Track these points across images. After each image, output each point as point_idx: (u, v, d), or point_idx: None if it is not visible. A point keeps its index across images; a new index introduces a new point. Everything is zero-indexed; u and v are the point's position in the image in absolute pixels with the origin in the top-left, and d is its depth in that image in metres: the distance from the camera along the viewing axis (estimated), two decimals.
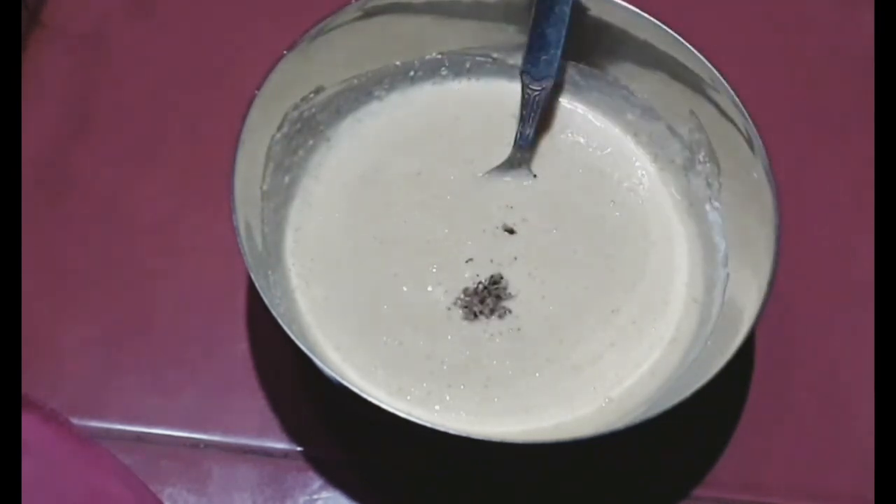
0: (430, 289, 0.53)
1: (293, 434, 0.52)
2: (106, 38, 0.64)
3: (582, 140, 0.59)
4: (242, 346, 0.54)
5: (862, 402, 0.53)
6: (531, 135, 0.57)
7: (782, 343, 0.55)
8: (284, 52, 0.52)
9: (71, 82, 0.62)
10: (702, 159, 0.56)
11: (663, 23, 0.54)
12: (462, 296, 0.53)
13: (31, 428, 0.40)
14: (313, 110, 0.56)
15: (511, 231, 0.55)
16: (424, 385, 0.51)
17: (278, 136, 0.54)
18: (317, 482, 0.51)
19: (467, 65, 0.59)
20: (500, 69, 0.60)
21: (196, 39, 0.64)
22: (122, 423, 0.52)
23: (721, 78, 0.53)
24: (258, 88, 0.51)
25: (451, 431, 0.44)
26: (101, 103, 0.62)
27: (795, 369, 0.55)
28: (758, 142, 0.51)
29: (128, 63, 0.63)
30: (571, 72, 0.59)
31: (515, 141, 0.57)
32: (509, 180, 0.57)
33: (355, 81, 0.57)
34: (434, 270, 0.54)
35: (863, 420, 0.53)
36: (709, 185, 0.55)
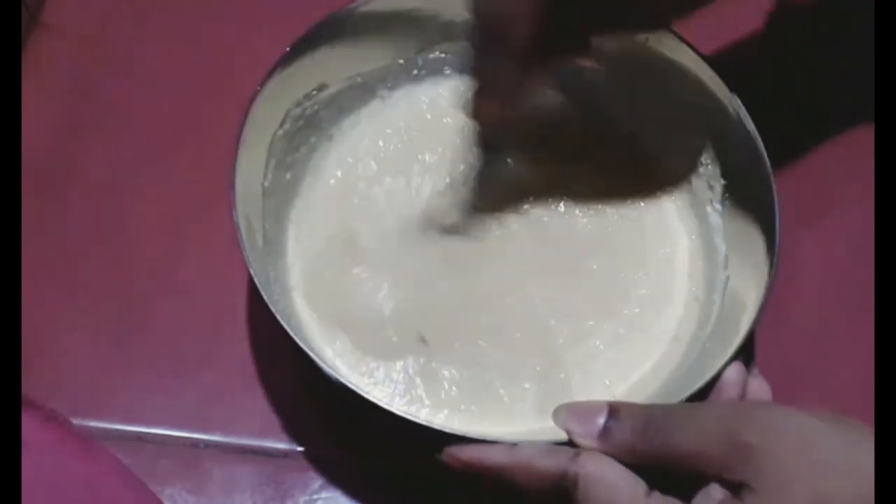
0: None
1: (293, 434, 0.52)
2: (106, 38, 0.64)
3: None
4: (242, 346, 0.54)
5: (862, 403, 0.53)
6: None
7: (782, 343, 0.55)
8: (287, 48, 0.52)
9: (71, 82, 0.62)
10: (703, 161, 0.56)
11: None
12: None
13: (31, 428, 0.40)
14: (316, 108, 0.56)
15: None
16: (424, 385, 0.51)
17: (280, 133, 0.54)
18: (317, 482, 0.51)
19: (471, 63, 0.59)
20: None
21: (198, 37, 0.64)
22: (122, 423, 0.52)
23: (721, 79, 0.53)
24: (261, 85, 0.51)
25: (451, 431, 0.44)
26: (101, 103, 0.62)
27: (795, 369, 0.55)
28: (758, 142, 0.51)
29: (128, 62, 0.63)
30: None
31: None
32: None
33: (358, 79, 0.57)
34: None
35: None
36: (710, 187, 0.55)
